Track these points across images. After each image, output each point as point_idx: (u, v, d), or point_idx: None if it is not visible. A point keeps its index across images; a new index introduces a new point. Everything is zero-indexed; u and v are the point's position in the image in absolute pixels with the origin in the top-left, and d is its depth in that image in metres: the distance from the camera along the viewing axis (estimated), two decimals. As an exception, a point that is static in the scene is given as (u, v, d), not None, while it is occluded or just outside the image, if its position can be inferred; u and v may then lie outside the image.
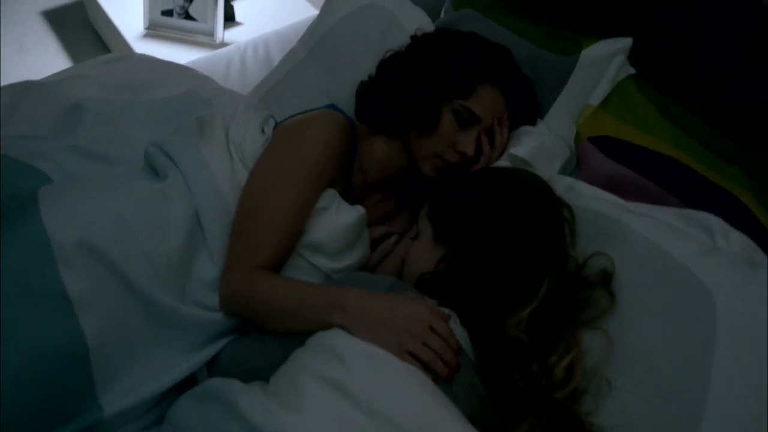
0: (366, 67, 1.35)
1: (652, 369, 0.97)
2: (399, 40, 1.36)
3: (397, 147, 1.26)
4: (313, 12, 2.20)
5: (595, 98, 1.26)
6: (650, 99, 1.23)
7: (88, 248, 1.02)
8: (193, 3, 2.13)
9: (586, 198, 1.14)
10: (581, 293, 1.05)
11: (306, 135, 1.15)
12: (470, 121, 1.21)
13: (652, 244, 1.04)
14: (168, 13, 2.16)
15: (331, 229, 1.14)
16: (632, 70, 1.27)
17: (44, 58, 2.49)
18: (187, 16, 2.15)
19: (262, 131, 1.21)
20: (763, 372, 0.92)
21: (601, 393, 0.99)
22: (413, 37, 1.34)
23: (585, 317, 1.04)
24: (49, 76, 1.57)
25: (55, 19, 2.65)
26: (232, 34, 2.18)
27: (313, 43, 1.49)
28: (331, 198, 1.16)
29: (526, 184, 1.12)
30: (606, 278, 1.03)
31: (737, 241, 1.05)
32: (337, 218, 1.14)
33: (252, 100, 1.42)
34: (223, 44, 2.13)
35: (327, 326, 0.98)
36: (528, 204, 1.08)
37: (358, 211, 1.16)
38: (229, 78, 1.73)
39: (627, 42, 1.26)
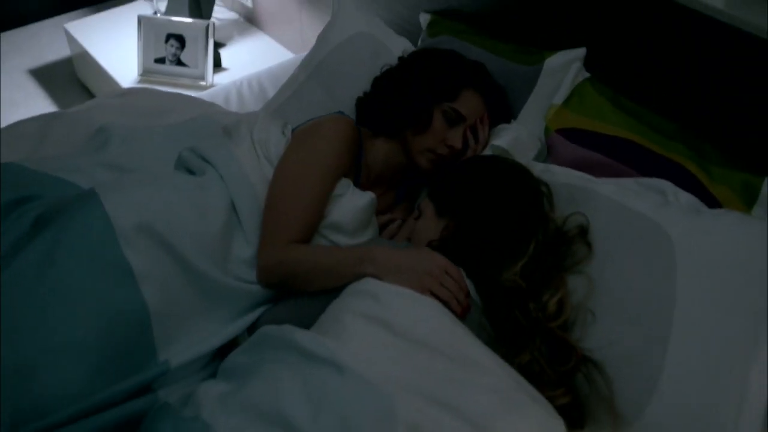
0: (360, 86, 1.60)
1: (625, 300, 1.19)
2: (387, 61, 1.60)
3: (396, 146, 1.49)
4: (290, 56, 2.45)
5: (559, 98, 1.52)
6: (604, 96, 1.49)
7: (146, 230, 1.21)
8: (185, 50, 2.35)
9: (559, 176, 1.38)
10: (564, 246, 1.27)
11: (324, 133, 1.37)
12: (457, 120, 1.44)
13: (617, 202, 1.28)
14: (160, 60, 2.37)
15: (348, 210, 1.35)
16: (587, 74, 1.54)
17: (35, 113, 2.66)
18: (179, 63, 2.37)
19: (283, 133, 1.42)
20: (718, 293, 1.15)
21: (587, 322, 1.21)
22: (401, 57, 1.59)
23: (569, 264, 1.26)
24: (70, 109, 1.76)
25: (42, 76, 2.84)
26: (219, 78, 2.40)
27: (312, 69, 1.73)
28: (346, 186, 1.37)
29: (509, 166, 1.36)
30: (582, 231, 1.26)
31: (685, 198, 1.30)
32: (352, 201, 1.36)
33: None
34: (207, 86, 2.34)
35: (359, 277, 1.17)
36: (512, 180, 1.31)
37: (370, 195, 1.38)
38: (230, 108, 1.94)
39: (581, 51, 1.53)
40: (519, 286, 1.20)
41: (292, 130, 1.45)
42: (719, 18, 1.29)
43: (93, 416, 1.07)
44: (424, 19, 1.84)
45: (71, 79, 2.78)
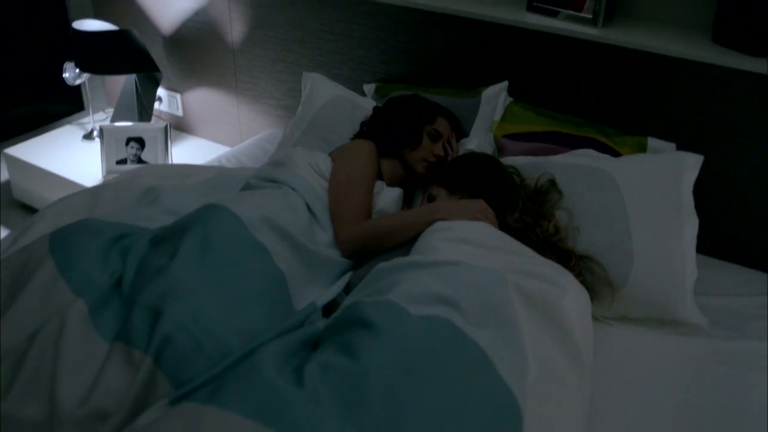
0: (348, 132, 2.15)
1: (595, 216, 1.81)
2: (364, 114, 2.19)
3: (396, 162, 2.04)
4: (227, 149, 2.92)
5: (497, 116, 2.18)
6: (526, 109, 2.17)
7: (265, 221, 1.65)
8: (145, 150, 2.74)
9: (519, 160, 2.01)
10: (543, 195, 1.88)
11: (357, 151, 1.92)
12: (438, 137, 2.04)
13: (566, 163, 1.93)
14: (122, 161, 2.74)
15: (389, 200, 1.89)
16: (510, 99, 2.22)
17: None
18: (140, 161, 2.75)
19: (327, 156, 1.93)
20: (650, 200, 1.81)
21: (575, 235, 1.81)
22: (376, 107, 2.17)
23: (551, 204, 1.87)
24: (106, 182, 2.10)
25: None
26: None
27: (306, 126, 2.25)
28: (380, 185, 1.91)
29: (487, 155, 1.97)
30: (552, 183, 1.89)
31: (606, 156, 1.98)
32: (389, 194, 1.90)
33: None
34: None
35: (430, 224, 1.68)
36: (494, 161, 1.93)
37: (399, 189, 1.92)
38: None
39: (505, 84, 2.23)
40: (527, 222, 1.78)
41: (329, 155, 1.96)
42: (596, 40, 2.05)
43: (276, 340, 1.44)
44: (369, 88, 2.45)
45: (10, 201, 2.99)
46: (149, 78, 2.88)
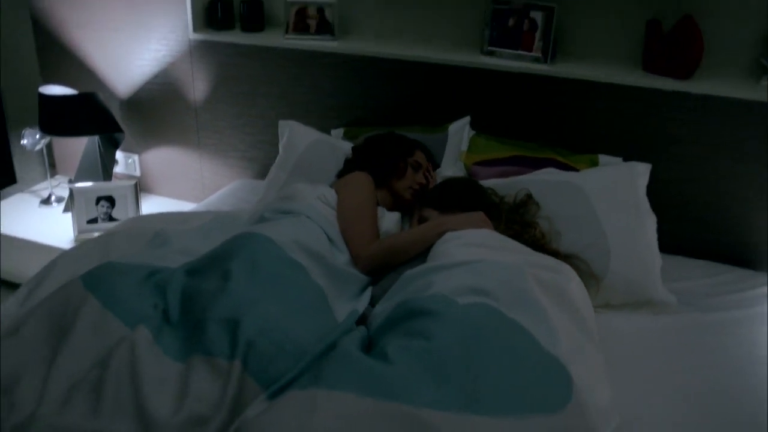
0: (331, 171, 2.36)
1: (573, 226, 2.10)
2: (343, 151, 2.41)
3: (384, 192, 2.26)
4: (191, 205, 3.04)
5: (464, 147, 2.45)
6: (489, 139, 2.46)
7: (297, 243, 1.83)
8: (115, 208, 2.82)
9: (491, 182, 2.29)
10: (523, 207, 2.15)
11: (359, 181, 2.13)
12: (418, 167, 2.29)
13: (536, 180, 2.22)
14: (93, 221, 2.80)
15: (390, 222, 2.11)
16: (473, 131, 2.51)
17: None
18: (110, 219, 2.81)
19: (330, 188, 2.13)
20: (614, 205, 2.12)
21: (558, 239, 2.09)
22: (355, 147, 2.40)
23: (532, 215, 2.14)
24: (114, 228, 2.19)
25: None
26: (143, 228, 2.88)
27: (291, 168, 2.44)
28: (381, 210, 2.12)
29: (466, 177, 2.24)
30: (530, 196, 2.17)
31: (569, 172, 2.29)
32: (392, 217, 2.12)
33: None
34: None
35: (441, 236, 1.91)
36: (473, 182, 2.19)
37: (398, 213, 2.14)
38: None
39: (467, 119, 2.51)
40: (516, 230, 2.05)
41: (331, 185, 2.16)
42: (546, 74, 2.38)
43: (345, 336, 1.60)
44: (338, 132, 2.67)
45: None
46: (110, 139, 2.97)
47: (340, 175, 2.34)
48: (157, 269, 1.85)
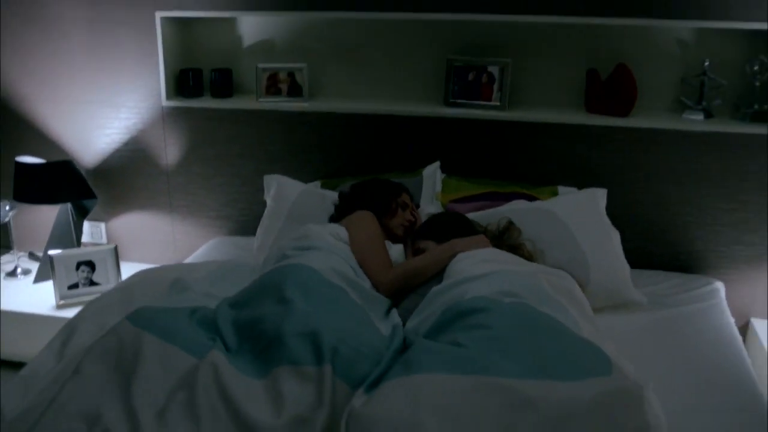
0: (322, 216, 2.57)
1: (553, 245, 2.41)
2: (331, 198, 2.63)
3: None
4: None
5: (438, 188, 2.74)
6: (459, 180, 2.76)
7: (334, 270, 2.04)
8: (96, 272, 2.86)
9: (473, 215, 2.57)
10: (506, 232, 2.44)
11: (367, 217, 2.36)
12: (405, 206, 2.54)
13: (513, 209, 2.53)
14: (74, 286, 2.82)
15: (396, 253, 2.33)
16: (444, 174, 2.80)
17: None
18: (92, 283, 2.85)
19: (339, 226, 2.33)
20: (585, 225, 2.46)
21: (542, 257, 2.39)
22: (341, 193, 2.62)
23: (515, 239, 2.43)
24: (126, 281, 2.27)
25: None
26: (121, 292, 2.92)
27: (285, 216, 2.63)
28: (388, 243, 2.35)
29: (451, 211, 2.52)
30: (511, 222, 2.46)
31: (539, 201, 2.61)
32: (396, 248, 2.34)
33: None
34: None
35: (452, 257, 2.15)
36: (459, 214, 2.47)
37: (400, 245, 2.37)
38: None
39: (437, 163, 2.81)
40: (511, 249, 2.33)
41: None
42: (505, 120, 2.73)
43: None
44: (315, 184, 2.89)
45: None
46: (80, 208, 3.02)
47: (337, 218, 2.54)
48: (193, 309, 1.98)
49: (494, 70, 2.75)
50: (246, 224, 3.07)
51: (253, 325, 1.83)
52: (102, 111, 3.06)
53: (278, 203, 2.70)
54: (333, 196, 2.70)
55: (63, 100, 3.08)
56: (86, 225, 3.22)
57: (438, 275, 2.17)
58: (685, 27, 2.60)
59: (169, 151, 3.05)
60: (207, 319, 1.96)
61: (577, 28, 2.69)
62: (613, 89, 2.67)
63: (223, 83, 2.98)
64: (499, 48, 2.77)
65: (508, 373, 1.52)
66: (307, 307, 1.82)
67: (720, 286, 2.62)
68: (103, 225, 3.23)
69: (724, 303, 2.49)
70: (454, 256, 2.18)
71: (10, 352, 2.84)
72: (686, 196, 2.69)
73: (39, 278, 2.98)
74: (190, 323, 1.89)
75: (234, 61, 3.01)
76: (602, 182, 2.72)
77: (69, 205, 2.99)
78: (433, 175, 2.80)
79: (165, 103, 2.95)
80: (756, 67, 2.56)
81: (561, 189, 2.73)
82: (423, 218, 2.56)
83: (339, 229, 2.33)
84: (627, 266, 2.45)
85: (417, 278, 2.18)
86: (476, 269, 2.05)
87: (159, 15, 2.85)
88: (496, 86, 2.76)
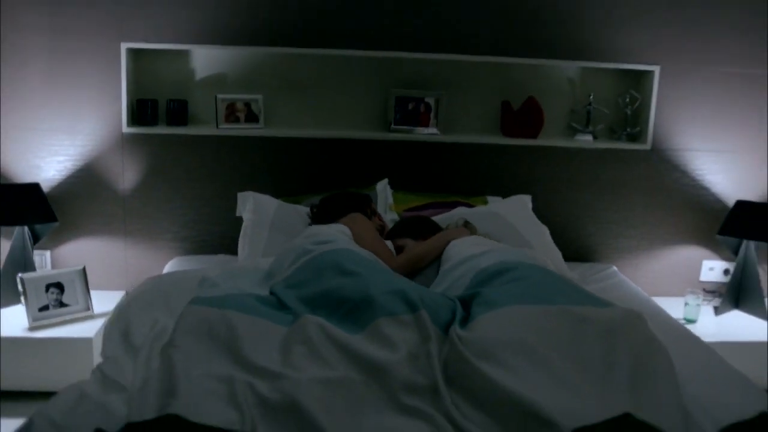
0: (298, 225, 2.92)
1: (505, 239, 2.96)
2: (305, 215, 2.98)
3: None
4: (115, 293, 3.21)
5: (390, 201, 3.18)
6: (406, 194, 3.23)
7: (367, 253, 2.40)
8: (65, 293, 2.89)
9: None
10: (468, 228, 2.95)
11: (363, 217, 2.75)
12: (375, 213, 2.97)
13: (463, 212, 3.05)
14: (44, 308, 2.84)
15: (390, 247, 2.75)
16: (391, 189, 3.25)
17: None
18: (61, 304, 2.88)
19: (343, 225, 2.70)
20: (529, 226, 3.04)
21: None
22: (312, 206, 2.99)
23: (475, 233, 2.94)
24: (145, 286, 2.42)
25: None
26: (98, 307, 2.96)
27: (268, 229, 2.91)
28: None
29: (415, 215, 2.99)
30: (467, 221, 2.97)
31: (479, 206, 3.16)
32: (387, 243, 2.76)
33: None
34: (95, 315, 2.93)
35: (448, 243, 2.61)
36: (424, 216, 2.95)
37: (389, 241, 2.79)
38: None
39: (386, 180, 3.26)
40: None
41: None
42: (442, 141, 3.26)
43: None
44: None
45: None
46: (33, 233, 3.04)
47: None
48: (245, 294, 2.25)
49: (431, 100, 3.29)
50: (204, 244, 3.27)
51: (327, 296, 2.14)
52: (57, 137, 3.12)
53: (258, 216, 2.98)
54: (303, 209, 3.03)
55: (13, 127, 3.10)
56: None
57: (435, 260, 2.61)
58: (574, 66, 3.35)
59: (127, 177, 3.18)
60: (266, 300, 2.23)
61: (494, 66, 3.33)
62: (524, 117, 3.33)
63: (180, 113, 3.20)
64: (435, 82, 3.33)
65: (563, 302, 2.01)
66: (375, 274, 2.17)
67: (616, 269, 3.32)
68: (48, 253, 3.23)
69: (627, 279, 3.19)
70: (448, 243, 2.64)
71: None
72: (582, 199, 3.40)
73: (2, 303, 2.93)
74: (259, 302, 2.16)
75: (185, 92, 3.26)
76: (519, 191, 3.34)
77: (25, 229, 3.00)
78: (384, 189, 3.24)
79: (126, 129, 3.11)
80: (627, 99, 3.36)
81: (489, 198, 3.30)
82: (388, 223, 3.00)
83: (342, 228, 2.68)
84: (559, 252, 3.05)
85: (419, 263, 2.60)
86: (473, 250, 2.53)
87: (124, 46, 3.04)
88: (432, 114, 3.30)
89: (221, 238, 3.27)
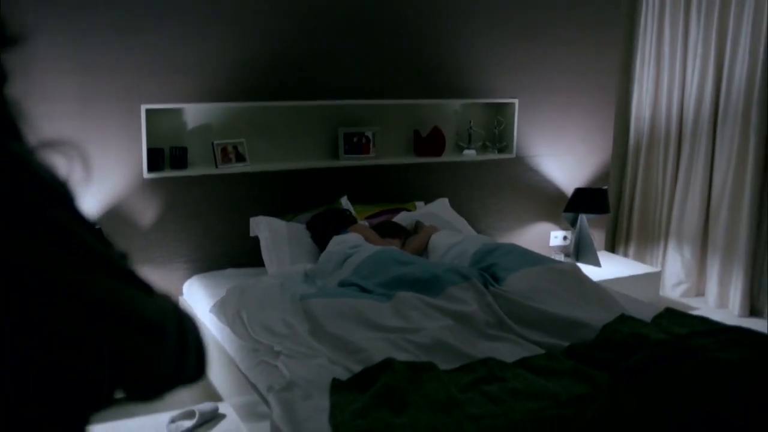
0: (307, 239, 3.92)
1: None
2: (301, 229, 3.98)
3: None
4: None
5: (353, 212, 4.25)
6: (363, 206, 4.32)
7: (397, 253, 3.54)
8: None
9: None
10: (420, 228, 4.14)
11: (365, 226, 3.82)
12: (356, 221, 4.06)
13: (411, 215, 4.25)
14: None
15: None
16: (349, 202, 4.32)
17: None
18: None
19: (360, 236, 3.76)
20: (459, 221, 4.32)
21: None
22: (307, 222, 4.00)
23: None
24: (235, 291, 3.29)
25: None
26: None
27: (287, 241, 3.85)
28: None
29: (384, 221, 4.14)
30: (419, 222, 4.17)
31: (420, 209, 4.36)
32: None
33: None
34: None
35: (429, 236, 3.80)
36: (390, 221, 4.12)
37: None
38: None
39: (346, 196, 4.32)
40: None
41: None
42: (379, 164, 4.42)
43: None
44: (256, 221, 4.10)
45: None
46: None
47: (322, 237, 3.88)
48: (332, 288, 3.29)
49: (369, 134, 4.42)
50: (212, 263, 4.06)
51: (400, 279, 3.25)
52: (86, 186, 3.71)
53: (275, 233, 3.90)
54: (302, 224, 4.01)
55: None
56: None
57: (423, 249, 3.79)
58: (459, 103, 4.70)
59: (147, 214, 3.86)
60: (350, 289, 3.26)
61: (408, 106, 4.55)
62: (431, 141, 4.60)
63: (181, 158, 3.96)
64: (371, 119, 4.46)
65: (544, 263, 3.35)
66: (424, 262, 3.32)
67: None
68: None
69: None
70: (430, 236, 3.83)
71: None
72: (474, 199, 4.77)
73: None
74: (351, 291, 3.19)
75: (180, 140, 4.01)
76: (436, 196, 4.61)
77: None
78: (346, 203, 4.30)
79: (146, 175, 3.80)
80: (495, 123, 4.79)
81: (417, 203, 4.53)
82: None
83: (357, 236, 3.73)
84: (478, 234, 4.39)
85: (416, 253, 3.76)
86: (453, 239, 3.76)
87: (144, 107, 3.74)
88: (371, 144, 4.43)
89: (226, 256, 4.09)
